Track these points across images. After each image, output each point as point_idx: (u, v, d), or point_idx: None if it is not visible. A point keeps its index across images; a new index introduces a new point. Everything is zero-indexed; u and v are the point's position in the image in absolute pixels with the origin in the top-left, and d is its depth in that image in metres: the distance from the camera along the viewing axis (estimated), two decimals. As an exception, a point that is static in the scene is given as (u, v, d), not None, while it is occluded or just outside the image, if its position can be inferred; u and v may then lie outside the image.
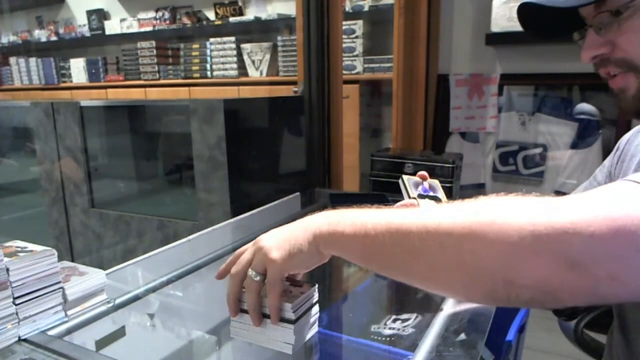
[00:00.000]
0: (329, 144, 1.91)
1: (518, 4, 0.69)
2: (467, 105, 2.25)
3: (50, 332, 0.75)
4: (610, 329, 0.83)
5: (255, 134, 1.69)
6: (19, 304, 0.71)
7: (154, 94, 3.52)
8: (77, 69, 3.98)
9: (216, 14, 3.36)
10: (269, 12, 3.17)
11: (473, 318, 0.75)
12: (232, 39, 3.19)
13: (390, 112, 2.31)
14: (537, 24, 0.73)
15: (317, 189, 1.81)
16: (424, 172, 0.96)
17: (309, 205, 1.65)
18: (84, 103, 2.00)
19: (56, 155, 2.06)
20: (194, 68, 3.39)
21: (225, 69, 3.25)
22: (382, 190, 1.68)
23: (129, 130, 2.19)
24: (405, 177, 0.95)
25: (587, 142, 2.01)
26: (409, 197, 0.91)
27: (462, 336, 0.71)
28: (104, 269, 0.88)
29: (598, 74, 0.70)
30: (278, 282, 0.61)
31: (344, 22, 2.16)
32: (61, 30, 4.11)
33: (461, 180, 1.78)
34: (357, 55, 2.71)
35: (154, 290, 0.96)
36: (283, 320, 0.64)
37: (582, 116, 2.01)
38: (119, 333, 0.85)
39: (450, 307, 0.78)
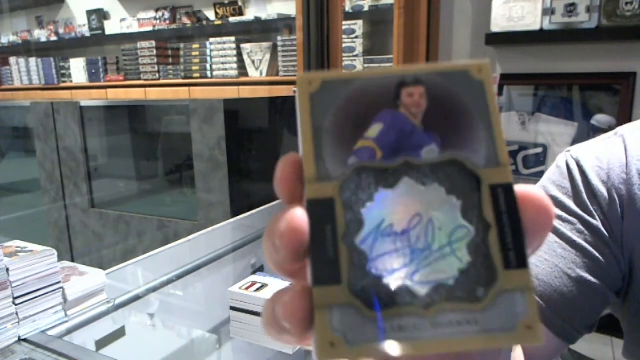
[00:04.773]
0: (329, 144, 1.91)
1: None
2: (467, 105, 2.26)
3: (50, 332, 0.75)
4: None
5: (255, 134, 1.69)
6: (19, 304, 0.71)
7: (154, 94, 3.52)
8: (77, 69, 3.98)
9: (216, 14, 3.37)
10: (269, 12, 3.17)
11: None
12: (232, 39, 3.19)
13: (390, 112, 2.31)
14: None
15: (317, 189, 1.81)
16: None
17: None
18: (84, 103, 2.00)
19: (56, 156, 2.06)
20: (194, 68, 3.38)
21: (225, 69, 3.25)
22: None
23: (129, 130, 2.19)
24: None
25: (587, 142, 2.01)
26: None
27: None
28: (104, 269, 0.88)
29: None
30: None
31: (344, 22, 2.16)
32: (61, 30, 4.12)
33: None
34: (357, 55, 2.70)
35: (154, 290, 0.96)
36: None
37: (594, 122, 1.99)
38: (119, 333, 0.85)
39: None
